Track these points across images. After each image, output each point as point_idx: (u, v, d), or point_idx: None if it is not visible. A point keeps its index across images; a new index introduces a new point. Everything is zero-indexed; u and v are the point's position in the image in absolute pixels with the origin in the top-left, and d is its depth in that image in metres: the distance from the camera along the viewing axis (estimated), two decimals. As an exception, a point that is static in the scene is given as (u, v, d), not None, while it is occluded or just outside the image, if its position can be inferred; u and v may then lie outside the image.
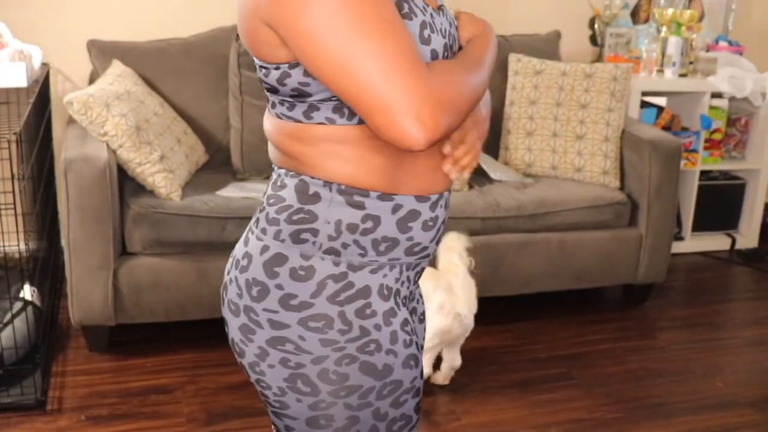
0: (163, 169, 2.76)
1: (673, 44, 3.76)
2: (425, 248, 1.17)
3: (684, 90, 3.80)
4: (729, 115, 3.97)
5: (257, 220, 1.16)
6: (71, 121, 2.94)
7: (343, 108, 1.06)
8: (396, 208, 1.11)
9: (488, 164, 3.29)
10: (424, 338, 1.33)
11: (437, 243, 1.19)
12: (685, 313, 3.33)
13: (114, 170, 2.64)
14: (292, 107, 1.09)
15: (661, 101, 3.87)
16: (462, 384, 2.65)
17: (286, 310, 1.11)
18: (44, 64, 3.15)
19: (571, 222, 3.12)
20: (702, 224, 3.95)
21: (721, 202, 3.98)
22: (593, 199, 3.14)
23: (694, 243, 3.95)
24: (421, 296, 1.33)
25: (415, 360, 1.17)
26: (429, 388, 2.61)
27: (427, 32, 1.06)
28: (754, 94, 3.79)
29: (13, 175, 2.30)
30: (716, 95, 3.82)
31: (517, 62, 3.40)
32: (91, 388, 2.57)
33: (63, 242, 2.83)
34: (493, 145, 3.44)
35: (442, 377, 2.62)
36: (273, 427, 1.23)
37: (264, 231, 1.13)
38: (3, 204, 2.33)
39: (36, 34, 3.17)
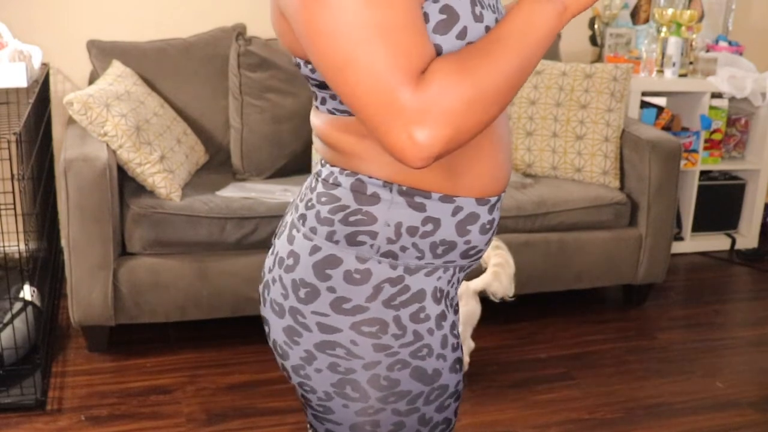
0: (163, 170, 2.76)
1: (673, 44, 3.76)
2: (480, 251, 1.11)
3: (684, 90, 3.80)
4: (729, 115, 3.97)
5: (303, 216, 1.08)
6: (71, 121, 2.94)
7: None
8: (456, 211, 1.05)
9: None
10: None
11: (488, 245, 1.14)
12: (685, 313, 3.33)
13: (114, 170, 2.64)
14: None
15: (661, 101, 3.87)
16: (462, 384, 2.64)
17: (337, 314, 1.05)
18: (44, 64, 3.15)
19: (571, 222, 3.12)
20: (702, 224, 3.95)
21: (721, 202, 3.98)
22: (593, 199, 3.14)
23: (694, 243, 3.95)
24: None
25: (460, 364, 1.15)
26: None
27: (478, 9, 0.98)
28: (754, 94, 3.79)
29: (12, 176, 2.30)
30: (716, 95, 3.82)
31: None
32: (91, 389, 2.57)
33: (63, 242, 2.83)
34: (493, 145, 3.44)
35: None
36: (310, 428, 1.19)
37: (314, 230, 1.06)
38: (3, 204, 2.33)
39: (36, 34, 3.17)
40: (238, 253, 2.78)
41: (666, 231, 3.21)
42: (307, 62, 1.02)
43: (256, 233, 2.79)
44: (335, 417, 1.11)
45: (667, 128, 3.74)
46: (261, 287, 1.15)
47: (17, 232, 2.38)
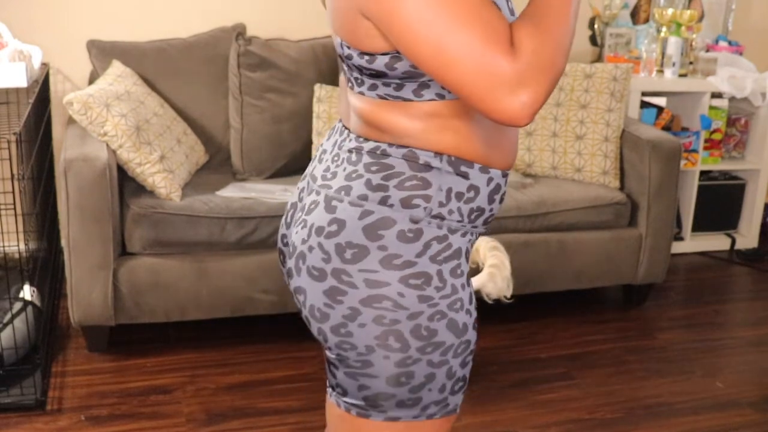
0: (163, 170, 2.76)
1: (673, 44, 3.76)
2: (493, 220, 1.29)
3: (684, 90, 3.80)
4: (729, 115, 3.97)
5: (347, 187, 1.17)
6: (71, 121, 2.94)
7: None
8: (489, 181, 1.19)
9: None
10: None
11: None
12: (685, 313, 3.33)
13: (114, 170, 2.64)
14: (399, 87, 1.13)
15: (661, 101, 3.87)
16: (462, 384, 2.64)
17: (387, 269, 1.14)
18: (44, 64, 3.15)
19: (571, 222, 3.12)
20: (702, 224, 3.95)
21: (721, 202, 3.98)
22: (593, 199, 3.14)
23: (694, 243, 3.95)
24: None
25: (477, 322, 1.25)
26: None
27: (511, 5, 1.13)
28: (754, 94, 3.80)
29: (12, 175, 2.30)
30: (716, 95, 3.82)
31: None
32: (91, 388, 2.57)
33: (63, 242, 2.83)
34: (493, 145, 3.44)
35: None
36: (337, 389, 1.24)
37: (364, 197, 1.15)
38: (3, 204, 2.33)
39: (36, 34, 3.17)
40: (238, 253, 2.78)
41: (666, 231, 3.21)
42: (364, 53, 1.12)
43: (256, 233, 2.79)
44: (373, 370, 1.18)
45: (667, 128, 3.74)
46: (293, 260, 1.21)
47: (17, 232, 2.38)
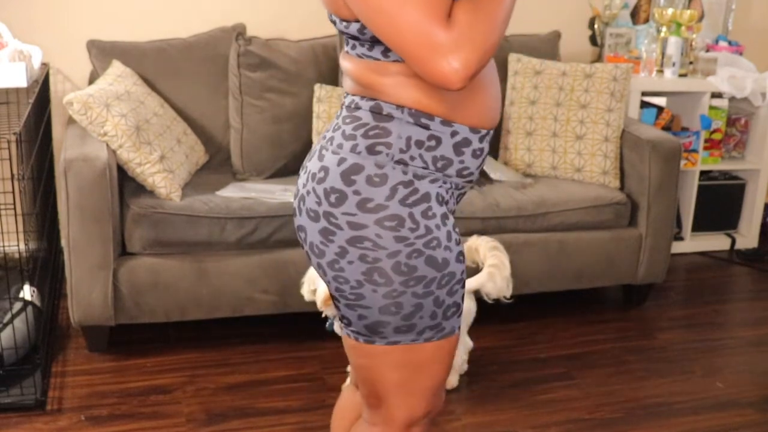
0: (163, 170, 2.76)
1: (673, 44, 3.76)
2: (471, 173, 1.37)
3: (684, 90, 3.79)
4: (729, 115, 3.97)
5: (332, 138, 1.34)
6: (71, 121, 2.94)
7: None
8: (454, 134, 1.31)
9: (488, 164, 3.29)
10: None
11: (479, 171, 1.39)
12: (685, 313, 3.33)
13: (114, 170, 2.64)
14: (371, 48, 1.28)
15: (661, 101, 3.87)
16: (462, 384, 2.65)
17: (363, 212, 1.29)
18: (44, 64, 3.15)
19: (571, 222, 3.12)
20: (702, 224, 3.95)
21: (721, 202, 3.98)
22: (593, 199, 3.14)
23: (694, 243, 3.95)
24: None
25: (463, 255, 1.38)
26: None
27: None
28: (754, 94, 3.79)
29: (12, 175, 2.30)
30: (716, 95, 3.82)
31: (516, 62, 3.40)
32: (91, 388, 2.57)
33: (63, 242, 2.83)
34: (492, 145, 3.44)
35: (453, 380, 2.63)
36: (343, 320, 1.40)
37: (340, 146, 1.31)
38: (3, 204, 2.33)
39: (36, 34, 3.17)
40: (238, 253, 2.78)
41: (666, 231, 3.21)
42: (342, 20, 1.28)
43: (256, 233, 2.79)
44: (365, 302, 1.34)
45: (667, 128, 3.74)
46: (296, 201, 1.38)
47: (17, 232, 2.38)
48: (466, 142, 1.33)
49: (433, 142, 1.30)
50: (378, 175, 1.28)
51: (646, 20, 4.04)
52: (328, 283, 1.37)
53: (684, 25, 3.80)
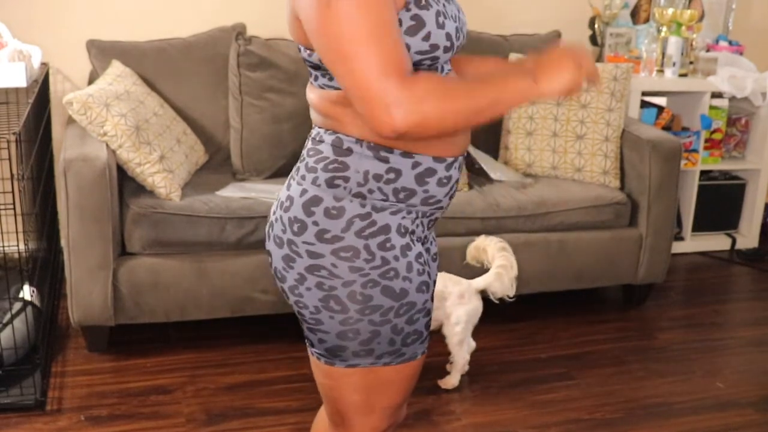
0: (163, 169, 2.76)
1: (673, 44, 3.76)
2: (439, 201, 1.39)
3: (684, 90, 3.79)
4: (729, 114, 3.97)
5: (298, 168, 1.39)
6: (71, 121, 2.94)
7: None
8: (415, 165, 1.33)
9: (488, 164, 3.29)
10: (436, 273, 1.51)
11: (450, 198, 1.41)
12: (685, 313, 3.33)
13: (113, 170, 2.64)
14: (332, 78, 1.30)
15: (661, 101, 3.87)
16: (462, 384, 2.64)
17: (321, 243, 1.33)
18: (44, 64, 3.15)
19: (571, 222, 3.12)
20: (702, 224, 3.95)
21: (721, 202, 3.98)
22: (593, 199, 3.14)
23: (694, 243, 3.95)
24: (434, 239, 1.53)
25: (427, 286, 1.41)
26: (430, 388, 2.61)
27: (441, 19, 1.27)
28: (754, 94, 3.79)
29: (12, 175, 2.29)
30: (716, 95, 3.81)
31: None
32: (90, 389, 2.57)
33: (63, 242, 2.82)
34: (493, 145, 3.44)
35: (454, 379, 2.63)
36: (307, 340, 1.46)
37: (303, 177, 1.36)
38: (2, 204, 2.33)
39: (35, 34, 3.17)
40: (238, 253, 2.78)
41: (666, 231, 3.21)
42: (306, 48, 1.31)
43: (256, 233, 2.79)
44: (324, 327, 1.38)
45: (667, 128, 3.74)
46: (267, 226, 1.43)
47: (17, 232, 2.38)
48: (430, 172, 1.34)
49: (392, 175, 1.32)
50: (335, 207, 1.32)
51: (647, 20, 4.03)
52: (291, 306, 1.42)
53: (684, 25, 3.79)
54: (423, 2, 1.25)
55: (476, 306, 2.62)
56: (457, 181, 1.41)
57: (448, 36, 1.28)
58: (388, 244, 1.34)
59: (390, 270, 1.34)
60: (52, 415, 2.42)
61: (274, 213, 1.40)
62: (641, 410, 2.56)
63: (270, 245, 1.41)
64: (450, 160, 1.36)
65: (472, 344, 2.68)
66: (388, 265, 1.34)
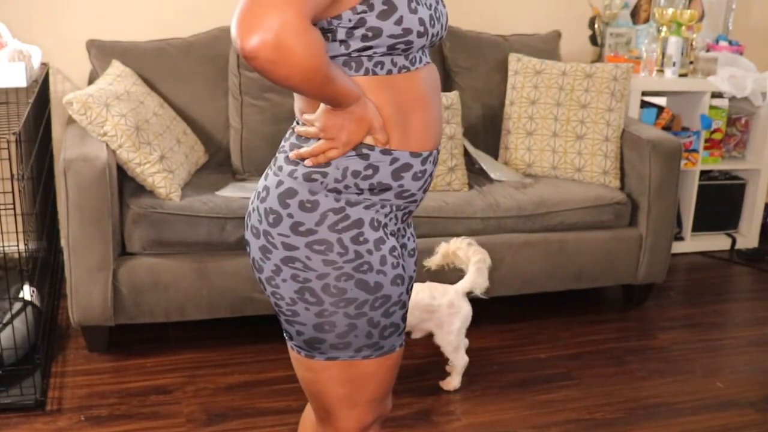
0: (163, 170, 2.76)
1: (673, 44, 3.76)
2: (413, 194, 1.41)
3: (684, 90, 3.79)
4: (729, 114, 3.97)
5: (276, 158, 1.39)
6: (71, 121, 2.94)
7: (351, 62, 1.29)
8: (393, 161, 1.35)
9: (488, 164, 3.29)
10: (414, 270, 1.54)
11: (424, 191, 1.43)
12: (685, 313, 3.33)
13: (113, 170, 2.64)
14: None
15: (661, 101, 3.87)
16: (462, 384, 2.64)
17: (295, 235, 1.34)
18: (44, 64, 3.15)
19: (571, 222, 3.12)
20: (702, 224, 3.95)
21: (721, 202, 3.98)
22: (593, 199, 3.14)
23: (694, 243, 3.95)
24: (413, 235, 1.55)
25: (401, 279, 1.41)
26: (430, 388, 2.61)
27: (414, 5, 1.28)
28: (755, 94, 3.79)
29: (12, 176, 2.30)
30: (716, 95, 3.81)
31: (517, 62, 3.40)
32: (90, 389, 2.57)
33: (62, 242, 2.82)
34: (493, 145, 3.44)
35: (456, 381, 2.62)
36: (285, 333, 1.46)
37: (281, 168, 1.36)
38: (2, 204, 2.33)
39: (35, 34, 3.17)
40: (238, 253, 2.78)
41: (666, 231, 3.21)
42: None
43: (255, 233, 2.79)
44: (300, 319, 1.39)
45: (667, 128, 3.74)
46: (246, 216, 1.43)
47: (17, 232, 2.38)
48: (406, 167, 1.36)
49: (370, 171, 1.34)
50: (310, 201, 1.33)
51: (647, 20, 4.03)
52: (268, 297, 1.43)
53: (684, 25, 3.79)
54: None
55: (467, 311, 2.60)
56: (431, 175, 1.42)
57: (421, 21, 1.29)
58: (361, 238, 1.35)
59: (364, 263, 1.35)
60: (52, 415, 2.42)
61: (252, 202, 1.41)
62: (641, 410, 2.56)
63: (248, 234, 1.42)
64: (425, 154, 1.39)
65: (466, 342, 2.67)
66: (361, 259, 1.35)
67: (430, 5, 1.33)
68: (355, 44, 1.27)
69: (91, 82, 3.14)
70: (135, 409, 2.47)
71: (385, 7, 1.25)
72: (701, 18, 4.09)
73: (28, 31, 3.15)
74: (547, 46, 3.59)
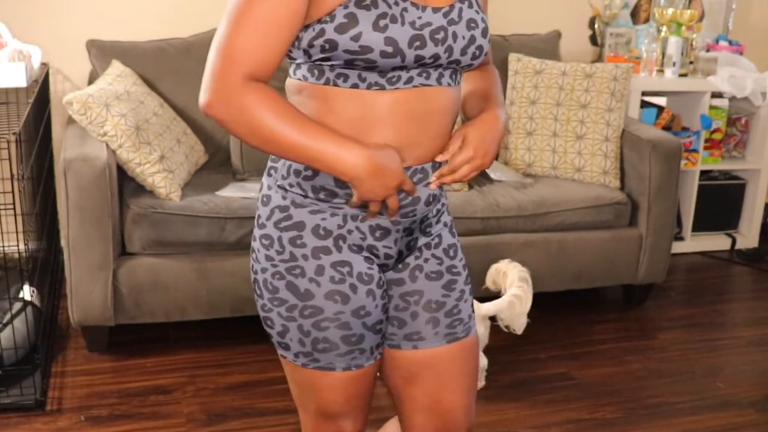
0: (163, 170, 2.76)
1: (673, 44, 3.76)
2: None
3: (684, 90, 3.79)
4: (729, 114, 3.97)
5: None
6: (71, 121, 2.94)
7: (314, 69, 1.29)
8: None
9: (488, 164, 3.28)
10: (382, 299, 1.43)
11: (402, 214, 1.38)
12: (685, 313, 3.33)
13: (113, 170, 2.64)
14: (290, 65, 1.35)
15: (661, 101, 3.87)
16: (462, 384, 2.64)
17: (256, 226, 1.41)
18: (44, 64, 3.15)
19: (571, 222, 3.12)
20: (702, 224, 3.95)
21: (721, 202, 3.98)
22: (593, 199, 3.14)
23: (694, 243, 3.95)
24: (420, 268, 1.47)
25: (344, 298, 1.36)
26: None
27: (384, 22, 1.22)
28: (754, 94, 3.79)
29: (12, 176, 2.30)
30: (716, 95, 3.81)
31: (517, 62, 3.40)
32: (90, 389, 2.57)
33: (62, 242, 2.82)
34: (493, 145, 3.44)
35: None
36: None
37: (266, 165, 1.43)
38: (2, 204, 2.33)
39: (35, 34, 3.17)
40: (238, 253, 2.78)
41: (666, 231, 3.21)
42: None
43: (255, 233, 2.79)
44: (257, 308, 1.44)
45: (667, 128, 3.74)
46: None
47: (17, 232, 2.38)
48: None
49: (309, 172, 1.33)
50: (266, 195, 1.39)
51: (647, 20, 4.03)
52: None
53: (684, 25, 3.79)
54: (367, 2, 1.22)
55: (481, 333, 2.52)
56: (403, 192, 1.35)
57: (390, 41, 1.22)
58: (299, 241, 1.35)
59: (296, 267, 1.35)
60: (52, 415, 2.42)
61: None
62: (641, 410, 2.56)
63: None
64: None
65: (484, 362, 2.62)
66: (295, 262, 1.35)
67: (420, 25, 1.25)
68: (315, 54, 1.25)
69: (91, 82, 3.14)
70: (135, 409, 2.47)
71: (345, 21, 1.21)
72: (701, 18, 4.09)
73: (28, 31, 3.15)
74: (547, 46, 3.59)
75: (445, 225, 1.50)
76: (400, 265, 1.45)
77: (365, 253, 1.39)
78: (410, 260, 1.46)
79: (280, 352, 1.44)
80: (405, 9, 1.25)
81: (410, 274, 1.46)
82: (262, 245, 1.38)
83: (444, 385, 1.48)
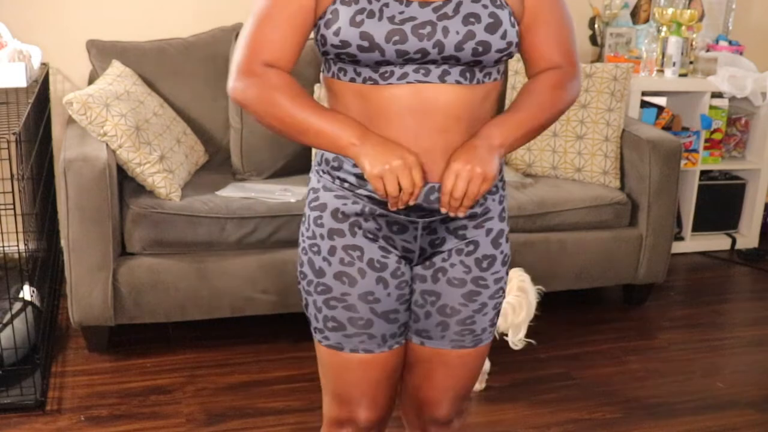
0: (163, 170, 2.76)
1: (673, 44, 3.76)
2: (385, 203, 1.38)
3: (684, 90, 3.79)
4: (729, 114, 3.97)
5: None
6: (71, 121, 2.94)
7: (326, 63, 1.39)
8: (355, 165, 1.37)
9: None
10: (402, 294, 1.47)
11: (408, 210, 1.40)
12: (685, 313, 3.33)
13: (113, 170, 2.64)
14: (329, 67, 1.40)
15: (661, 101, 3.87)
16: (462, 384, 2.64)
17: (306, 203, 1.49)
18: (44, 64, 3.15)
19: (571, 222, 3.12)
20: (702, 224, 3.95)
21: (721, 202, 3.98)
22: (593, 199, 3.14)
23: (694, 243, 3.95)
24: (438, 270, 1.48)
25: (351, 280, 1.42)
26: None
27: (360, 17, 1.28)
28: (754, 94, 3.79)
29: (12, 176, 2.30)
30: (716, 95, 3.81)
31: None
32: (90, 389, 2.57)
33: (63, 242, 2.82)
34: (493, 145, 3.44)
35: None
36: None
37: None
38: (2, 204, 2.33)
39: (35, 34, 3.17)
40: (238, 253, 2.78)
41: (666, 231, 3.21)
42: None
43: (255, 233, 2.79)
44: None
45: (667, 128, 3.74)
46: None
47: (17, 232, 2.38)
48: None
49: (336, 163, 1.41)
50: (310, 177, 1.49)
51: (647, 20, 4.03)
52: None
53: (684, 25, 3.79)
54: None
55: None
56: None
57: (365, 36, 1.27)
58: (319, 221, 1.43)
59: (315, 245, 1.44)
60: (52, 415, 2.42)
61: None
62: (641, 410, 2.56)
63: None
64: None
65: (487, 365, 2.60)
66: (314, 240, 1.44)
67: (401, 20, 1.27)
68: (319, 49, 1.36)
69: (91, 82, 3.14)
70: (135, 409, 2.47)
71: (331, 17, 1.31)
72: (701, 18, 4.09)
73: (28, 31, 3.15)
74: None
75: (488, 233, 1.46)
76: (427, 263, 1.46)
77: (381, 243, 1.43)
78: (437, 260, 1.46)
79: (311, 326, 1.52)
80: (386, 4, 1.29)
81: (433, 274, 1.46)
82: (302, 222, 1.48)
83: (428, 380, 1.55)
